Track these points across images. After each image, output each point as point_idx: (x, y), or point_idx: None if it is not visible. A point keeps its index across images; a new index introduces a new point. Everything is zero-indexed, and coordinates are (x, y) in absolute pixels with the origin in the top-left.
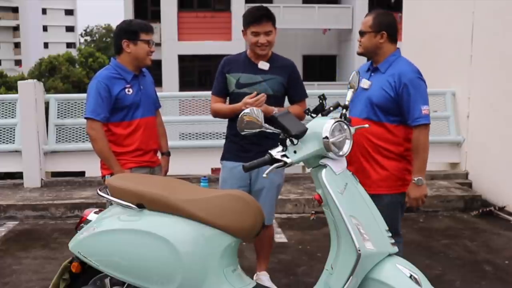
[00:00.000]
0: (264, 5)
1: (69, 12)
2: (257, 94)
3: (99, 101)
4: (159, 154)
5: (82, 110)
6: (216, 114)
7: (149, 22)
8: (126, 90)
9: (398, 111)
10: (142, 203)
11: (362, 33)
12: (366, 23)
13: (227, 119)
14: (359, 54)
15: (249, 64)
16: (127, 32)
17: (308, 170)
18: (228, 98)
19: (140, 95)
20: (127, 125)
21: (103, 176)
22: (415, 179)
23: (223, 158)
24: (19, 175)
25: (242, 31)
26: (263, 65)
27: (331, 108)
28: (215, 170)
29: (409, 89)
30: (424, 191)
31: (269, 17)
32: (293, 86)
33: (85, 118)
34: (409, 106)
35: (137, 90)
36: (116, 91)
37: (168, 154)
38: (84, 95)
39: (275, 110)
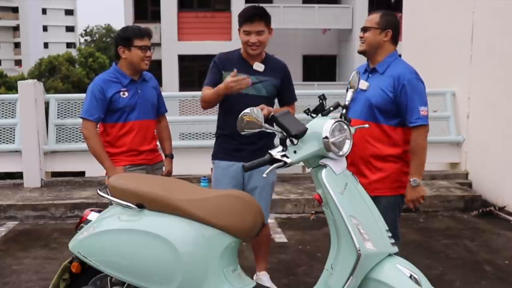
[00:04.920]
0: (264, 5)
1: (69, 12)
2: (250, 96)
3: (93, 103)
4: (162, 153)
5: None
6: (203, 101)
7: (149, 22)
8: (121, 93)
9: (397, 113)
10: (142, 203)
11: (366, 29)
12: (372, 19)
13: (218, 120)
14: (360, 51)
15: (244, 65)
16: (122, 38)
17: (308, 170)
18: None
19: (137, 98)
20: (121, 127)
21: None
22: (411, 180)
23: (216, 157)
24: (19, 175)
25: (238, 29)
26: (258, 66)
27: (331, 108)
28: None
29: (407, 89)
30: (421, 192)
31: (262, 17)
32: (286, 88)
33: (80, 117)
34: (407, 107)
35: (133, 94)
36: (110, 94)
37: (172, 156)
38: (84, 95)
39: (272, 111)
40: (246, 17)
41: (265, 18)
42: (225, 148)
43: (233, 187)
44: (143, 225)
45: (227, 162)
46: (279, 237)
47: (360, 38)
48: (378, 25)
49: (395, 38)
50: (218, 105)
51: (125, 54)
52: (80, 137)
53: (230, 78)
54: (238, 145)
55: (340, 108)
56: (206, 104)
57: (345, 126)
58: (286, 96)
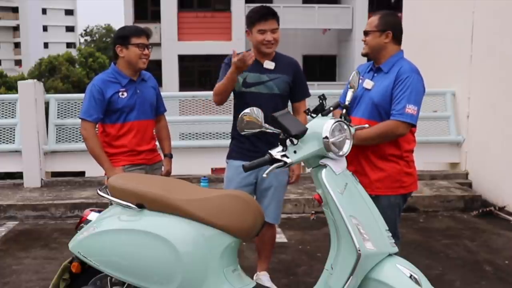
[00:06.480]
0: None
1: (69, 12)
2: (263, 95)
3: (92, 103)
4: (161, 153)
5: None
6: (215, 94)
7: (149, 22)
8: (120, 93)
9: None
10: (142, 203)
11: (366, 33)
12: (371, 22)
13: (233, 120)
14: (364, 55)
15: (255, 64)
16: (120, 37)
17: (308, 170)
18: (234, 97)
19: (136, 98)
20: (120, 127)
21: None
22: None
23: (230, 157)
24: (19, 175)
25: (246, 31)
26: (269, 64)
27: (331, 108)
28: (215, 170)
29: (402, 84)
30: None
31: (274, 15)
32: (298, 85)
33: (79, 118)
34: (396, 99)
35: (132, 94)
36: (109, 94)
37: (171, 156)
38: (83, 95)
39: (251, 54)
40: (260, 16)
41: (277, 16)
42: (239, 148)
43: (245, 187)
44: (143, 225)
45: (240, 161)
46: (279, 237)
47: (363, 41)
48: (377, 28)
49: (397, 38)
50: (233, 107)
51: (123, 52)
52: (80, 137)
53: (234, 58)
54: (251, 145)
55: (340, 108)
56: (219, 97)
57: (345, 126)
58: (299, 91)
